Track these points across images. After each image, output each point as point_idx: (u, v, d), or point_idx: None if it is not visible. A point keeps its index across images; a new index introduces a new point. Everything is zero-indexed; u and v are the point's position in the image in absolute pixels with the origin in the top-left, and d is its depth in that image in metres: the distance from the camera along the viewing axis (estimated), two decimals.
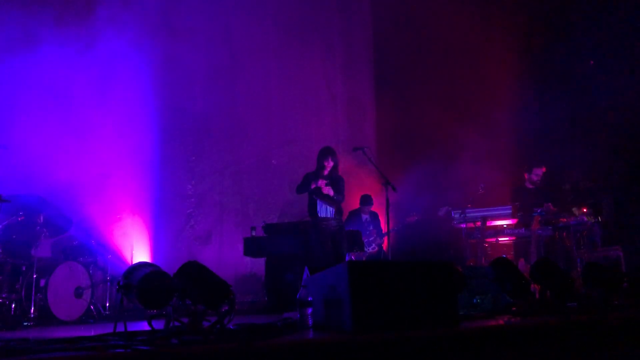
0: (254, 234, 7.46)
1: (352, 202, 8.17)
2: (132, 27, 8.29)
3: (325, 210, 6.25)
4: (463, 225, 7.38)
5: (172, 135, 8.45)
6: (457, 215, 7.42)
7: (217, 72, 8.95)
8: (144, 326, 3.36)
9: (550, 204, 7.01)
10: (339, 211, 6.36)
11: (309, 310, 3.42)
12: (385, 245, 7.74)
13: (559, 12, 9.03)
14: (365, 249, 7.80)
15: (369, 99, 10.34)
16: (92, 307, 6.19)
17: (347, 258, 6.32)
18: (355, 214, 8.06)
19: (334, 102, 10.00)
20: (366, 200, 8.04)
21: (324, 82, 9.96)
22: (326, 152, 6.30)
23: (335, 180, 6.36)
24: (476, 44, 9.21)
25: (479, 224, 7.16)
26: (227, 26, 9.18)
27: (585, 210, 7.19)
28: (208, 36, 8.96)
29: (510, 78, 8.73)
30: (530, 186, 7.34)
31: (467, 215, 7.24)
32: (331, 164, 6.26)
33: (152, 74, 8.42)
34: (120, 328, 3.38)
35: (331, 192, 6.16)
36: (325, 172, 6.28)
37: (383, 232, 7.93)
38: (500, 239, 7.37)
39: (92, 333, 3.35)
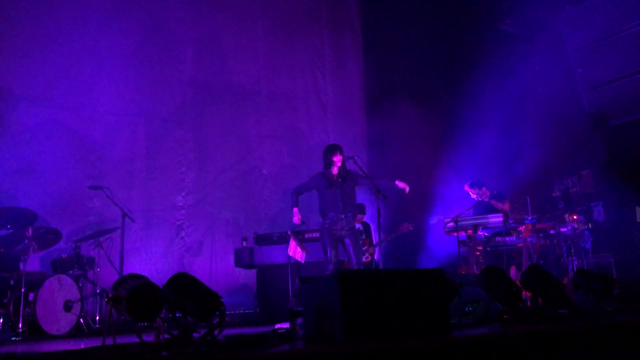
0: (245, 244, 7.42)
1: None
2: (121, 42, 8.27)
3: (335, 209, 6.03)
4: (454, 234, 7.37)
5: (162, 146, 8.42)
6: (448, 224, 7.41)
7: (206, 83, 8.94)
8: (134, 339, 3.33)
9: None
10: (352, 209, 6.17)
11: (300, 321, 3.41)
12: (376, 255, 7.71)
13: None
14: None
15: (358, 108, 10.37)
16: (81, 321, 6.11)
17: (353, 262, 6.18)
18: None
19: (324, 112, 10.02)
20: (359, 209, 8.02)
21: (314, 92, 9.99)
22: (334, 148, 6.16)
23: (352, 176, 6.22)
24: (466, 55, 9.26)
25: (470, 232, 7.17)
26: (216, 37, 9.19)
27: (575, 217, 7.22)
28: (197, 47, 8.97)
29: (497, 91, 8.76)
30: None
31: (459, 223, 7.24)
32: (340, 157, 6.09)
33: (142, 85, 8.40)
34: (109, 341, 3.34)
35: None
36: (335, 170, 6.11)
37: (374, 241, 7.90)
38: (491, 247, 7.37)
39: (82, 347, 3.31)
